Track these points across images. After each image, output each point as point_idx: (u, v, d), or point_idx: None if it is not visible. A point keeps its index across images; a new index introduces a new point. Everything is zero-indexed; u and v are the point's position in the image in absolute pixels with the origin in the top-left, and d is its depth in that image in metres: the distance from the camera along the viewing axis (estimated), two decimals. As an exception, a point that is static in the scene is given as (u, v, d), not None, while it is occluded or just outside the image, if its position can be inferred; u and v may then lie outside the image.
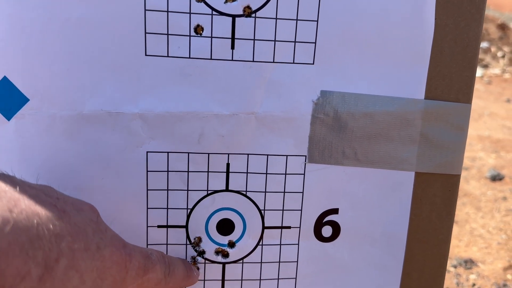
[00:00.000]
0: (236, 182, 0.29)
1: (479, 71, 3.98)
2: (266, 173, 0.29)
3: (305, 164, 0.29)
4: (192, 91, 0.27)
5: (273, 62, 0.27)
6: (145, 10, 0.26)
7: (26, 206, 0.17)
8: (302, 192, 0.29)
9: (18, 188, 0.18)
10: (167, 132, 0.28)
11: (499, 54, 4.59)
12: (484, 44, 4.64)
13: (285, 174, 0.29)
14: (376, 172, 0.30)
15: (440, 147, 0.30)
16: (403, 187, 0.30)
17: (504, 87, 3.33)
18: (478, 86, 3.20)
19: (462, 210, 1.31)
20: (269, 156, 0.29)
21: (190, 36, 0.26)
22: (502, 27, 5.07)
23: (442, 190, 0.31)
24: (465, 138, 0.30)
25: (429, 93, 0.29)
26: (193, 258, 0.29)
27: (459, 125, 0.30)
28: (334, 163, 0.29)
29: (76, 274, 0.18)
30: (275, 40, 0.27)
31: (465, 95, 0.30)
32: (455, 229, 1.22)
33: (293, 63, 0.28)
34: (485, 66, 4.25)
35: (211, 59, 0.27)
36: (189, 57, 0.27)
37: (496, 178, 1.52)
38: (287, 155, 0.29)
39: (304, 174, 0.29)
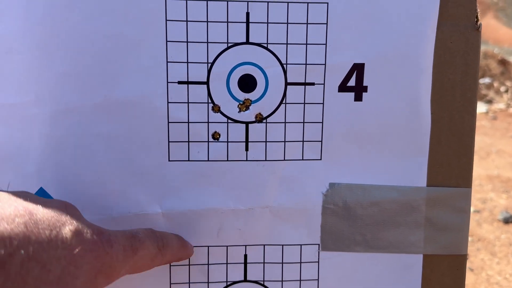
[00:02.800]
0: (254, 273, 0.31)
1: (483, 107, 4.01)
2: (282, 262, 0.31)
3: (318, 252, 0.31)
4: (211, 190, 0.30)
5: (284, 160, 0.30)
6: (168, 122, 0.28)
7: None
8: (318, 280, 0.31)
9: None
10: (189, 228, 0.30)
11: (502, 89, 4.64)
12: (486, 80, 4.70)
13: (300, 262, 0.31)
14: (387, 256, 0.31)
15: (445, 229, 0.32)
16: (412, 269, 0.32)
17: (509, 122, 3.34)
18: (483, 123, 3.21)
19: (477, 256, 1.29)
20: (284, 246, 0.31)
21: (208, 142, 0.29)
22: (503, 62, 5.15)
23: (450, 269, 0.32)
24: (468, 219, 0.32)
25: (431, 180, 0.31)
26: None
27: (461, 208, 0.32)
28: (347, 250, 0.31)
29: (37, 265, 0.18)
30: (285, 141, 0.30)
31: (464, 180, 0.32)
32: (472, 278, 1.20)
33: (302, 159, 0.30)
34: (489, 102, 4.29)
35: (227, 160, 0.30)
36: (208, 160, 0.29)
37: (509, 220, 1.51)
38: (301, 244, 0.31)
39: (318, 262, 0.31)
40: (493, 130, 2.85)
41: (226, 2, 0.27)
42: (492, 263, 1.27)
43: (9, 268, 0.17)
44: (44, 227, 0.19)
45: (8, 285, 0.17)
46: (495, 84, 4.65)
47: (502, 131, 2.85)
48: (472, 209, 1.63)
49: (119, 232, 0.24)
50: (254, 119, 0.29)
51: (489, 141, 2.57)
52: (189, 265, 0.30)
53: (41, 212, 0.20)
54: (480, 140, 2.57)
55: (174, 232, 0.29)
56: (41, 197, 0.23)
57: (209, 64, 0.28)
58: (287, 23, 0.28)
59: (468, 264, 1.25)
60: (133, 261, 0.24)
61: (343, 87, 0.29)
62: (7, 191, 0.21)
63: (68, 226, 0.21)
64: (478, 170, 2.03)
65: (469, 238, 1.42)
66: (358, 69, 0.29)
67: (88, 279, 0.21)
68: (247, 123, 0.29)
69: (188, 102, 0.28)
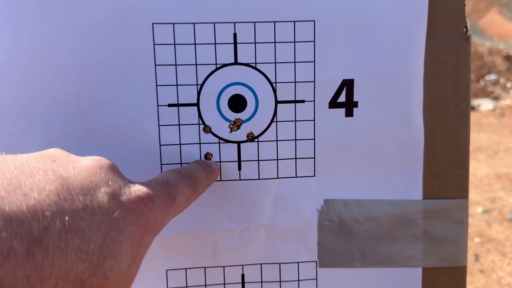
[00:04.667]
0: (252, 292, 0.31)
1: (490, 104, 3.98)
2: (280, 281, 0.31)
3: (316, 269, 0.31)
4: (205, 211, 0.30)
5: (278, 178, 0.30)
6: (160, 145, 0.29)
7: (7, 182, 0.16)
8: (316, 297, 0.31)
9: (4, 163, 0.17)
10: (184, 250, 0.30)
11: (509, 85, 4.61)
12: (492, 77, 4.67)
13: (298, 280, 0.31)
14: (385, 271, 0.31)
15: (443, 242, 0.31)
16: (412, 282, 0.32)
17: (517, 118, 3.31)
18: (491, 120, 3.19)
19: (488, 257, 1.28)
20: (281, 264, 0.31)
21: (200, 162, 0.29)
22: (508, 58, 5.11)
23: (450, 282, 0.32)
24: (466, 231, 0.32)
25: (427, 193, 0.31)
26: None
27: (459, 219, 0.31)
28: (344, 266, 0.31)
29: (76, 235, 0.16)
30: (277, 159, 0.30)
31: (461, 191, 0.31)
32: (482, 279, 1.19)
33: (296, 177, 0.30)
34: (496, 98, 4.25)
35: (220, 180, 0.30)
36: (201, 181, 0.29)
37: (519, 219, 1.49)
38: (298, 262, 0.31)
39: (316, 279, 0.31)
40: (500, 128, 2.82)
41: (213, 24, 0.28)
42: (502, 264, 1.25)
43: (47, 243, 0.15)
44: (78, 192, 0.18)
45: (48, 262, 0.15)
46: (501, 81, 4.62)
47: (510, 128, 2.82)
48: (481, 209, 1.61)
49: (154, 183, 0.22)
50: (245, 139, 0.29)
51: (497, 138, 2.55)
52: (186, 287, 0.30)
53: (73, 175, 0.18)
54: (487, 138, 2.55)
55: (168, 255, 0.29)
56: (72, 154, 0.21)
57: (199, 86, 0.28)
58: (275, 42, 0.28)
59: (478, 266, 1.23)
60: (173, 209, 0.22)
61: (333, 103, 0.29)
62: (33, 154, 0.19)
63: (103, 188, 0.19)
64: (486, 169, 2.01)
65: (479, 239, 1.40)
66: (347, 85, 0.29)
67: (134, 241, 0.19)
68: (239, 143, 0.29)
69: (179, 124, 0.29)
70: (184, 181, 0.24)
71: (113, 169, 0.21)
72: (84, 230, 0.17)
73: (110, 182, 0.19)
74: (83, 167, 0.19)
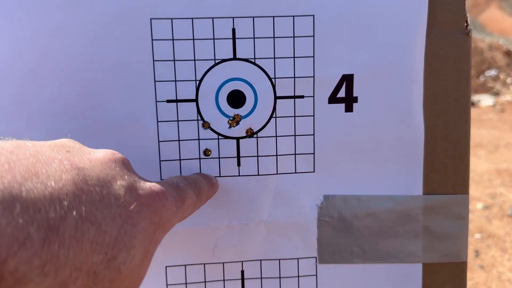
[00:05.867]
0: (252, 288, 0.30)
1: (490, 100, 3.98)
2: (280, 277, 0.31)
3: (316, 265, 0.31)
4: (205, 207, 0.29)
5: (277, 173, 0.30)
6: (159, 141, 0.28)
7: (23, 169, 0.15)
8: (315, 293, 0.31)
9: (19, 149, 0.16)
10: (184, 246, 0.30)
11: (509, 80, 4.60)
12: (492, 72, 4.66)
13: (298, 276, 0.31)
14: (385, 267, 0.31)
15: (444, 237, 0.31)
16: (412, 278, 0.31)
17: (518, 114, 3.31)
18: (491, 116, 3.18)
19: (488, 253, 1.28)
20: (281, 260, 0.31)
21: (200, 158, 0.29)
22: (508, 53, 5.10)
23: (450, 277, 0.32)
24: (467, 226, 0.32)
25: (427, 188, 0.31)
26: None
27: (459, 215, 0.31)
28: (344, 262, 0.31)
29: (92, 226, 0.16)
30: (277, 155, 0.29)
31: (461, 187, 0.31)
32: (483, 275, 1.19)
33: (295, 172, 0.30)
34: (496, 94, 4.25)
35: (220, 176, 0.29)
36: (200, 177, 0.29)
37: (519, 215, 1.49)
38: (298, 258, 0.31)
39: (316, 275, 0.31)
40: (501, 123, 2.82)
41: (211, 19, 0.27)
42: (503, 259, 1.25)
43: (63, 232, 0.15)
44: (94, 183, 0.17)
45: (64, 251, 0.15)
46: (501, 76, 4.61)
47: (510, 124, 2.82)
48: (481, 205, 1.61)
49: (166, 184, 0.22)
50: (245, 134, 0.29)
51: (497, 134, 2.55)
52: (186, 283, 0.30)
53: (89, 166, 0.18)
54: (488, 134, 2.55)
55: (168, 251, 0.29)
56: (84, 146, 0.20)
57: (197, 82, 0.28)
58: (274, 37, 0.28)
59: (478, 262, 1.23)
60: (182, 212, 0.22)
61: (333, 99, 0.29)
62: (46, 142, 0.19)
63: (119, 181, 0.18)
64: (487, 164, 2.01)
65: (479, 235, 1.40)
66: (347, 80, 0.29)
67: (146, 237, 0.19)
68: (238, 139, 0.29)
69: (177, 120, 0.28)
70: (191, 187, 0.24)
71: (127, 164, 0.21)
72: (100, 221, 0.16)
73: (126, 176, 0.19)
74: (98, 159, 0.19)
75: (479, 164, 2.02)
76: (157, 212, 0.20)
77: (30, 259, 0.14)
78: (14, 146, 0.17)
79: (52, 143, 0.19)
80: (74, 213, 0.16)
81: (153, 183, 0.21)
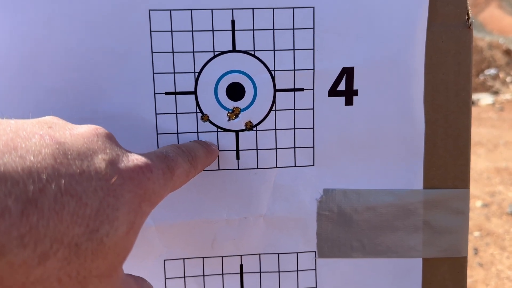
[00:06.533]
0: (250, 283, 0.30)
1: (490, 98, 3.98)
2: (279, 271, 0.30)
3: (315, 259, 0.31)
4: (203, 200, 0.29)
5: (276, 167, 0.30)
6: (157, 134, 0.28)
7: (2, 144, 0.16)
8: (315, 287, 0.31)
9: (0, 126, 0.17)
10: (182, 240, 0.30)
11: (508, 79, 4.60)
12: (492, 71, 4.66)
13: (297, 270, 0.31)
14: (385, 261, 0.31)
15: (444, 232, 0.31)
16: (412, 273, 0.31)
17: (517, 112, 3.31)
18: (490, 114, 3.19)
19: (487, 251, 1.28)
20: (280, 254, 0.30)
21: (198, 152, 0.29)
22: (508, 52, 5.10)
23: (450, 272, 0.32)
24: (467, 221, 0.32)
25: (427, 183, 0.31)
26: None
27: (459, 209, 0.31)
28: (344, 256, 0.31)
29: (72, 199, 0.16)
30: (276, 148, 0.29)
31: (461, 182, 0.31)
32: (481, 273, 1.19)
33: (295, 166, 0.30)
34: (496, 93, 4.25)
35: (218, 169, 0.29)
36: (199, 170, 0.29)
37: (518, 213, 1.49)
38: (297, 252, 0.30)
39: (315, 269, 0.31)
40: (500, 122, 2.82)
41: (210, 10, 0.27)
42: (502, 257, 1.25)
43: (42, 204, 0.15)
44: (74, 157, 0.17)
45: (43, 223, 0.15)
46: (501, 75, 4.61)
47: (509, 123, 2.82)
48: (480, 203, 1.61)
49: (152, 155, 0.22)
50: (244, 127, 0.29)
51: (497, 133, 2.55)
52: (184, 277, 0.30)
53: (70, 141, 0.18)
54: (487, 132, 2.55)
55: (166, 245, 0.29)
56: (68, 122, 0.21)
57: (196, 74, 0.28)
58: (273, 29, 0.28)
59: (477, 260, 1.24)
60: (172, 182, 0.22)
61: (333, 92, 0.29)
62: (29, 120, 0.19)
63: (100, 155, 0.19)
64: (486, 163, 2.01)
65: (478, 233, 1.40)
66: (347, 73, 0.28)
67: (131, 209, 0.19)
68: (237, 132, 0.29)
69: (176, 113, 0.28)
70: (183, 156, 0.24)
71: (110, 138, 0.21)
72: (80, 194, 0.17)
73: (108, 150, 0.19)
74: (80, 134, 0.19)
75: (479, 162, 2.02)
76: (141, 185, 0.20)
77: (8, 230, 0.14)
78: None
79: (36, 120, 0.19)
80: (53, 186, 0.16)
81: (138, 156, 0.21)
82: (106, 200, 0.18)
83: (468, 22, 0.29)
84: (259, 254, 0.30)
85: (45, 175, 0.16)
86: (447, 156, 0.30)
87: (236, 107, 0.28)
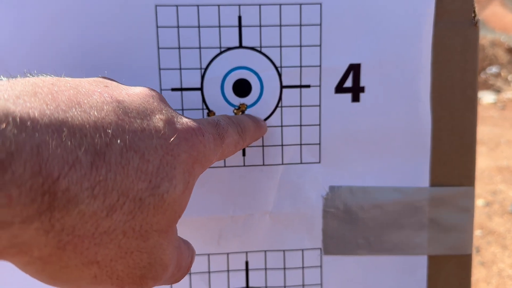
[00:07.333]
0: (256, 279, 0.30)
1: (491, 97, 3.97)
2: (284, 268, 0.30)
3: (321, 256, 0.31)
4: (210, 197, 0.29)
5: (282, 164, 0.30)
6: (163, 130, 0.28)
7: (66, 98, 0.16)
8: (321, 284, 0.31)
9: (59, 82, 0.17)
10: (188, 237, 0.30)
11: (510, 78, 4.59)
12: (493, 69, 4.65)
13: (303, 267, 0.31)
14: (391, 258, 0.31)
15: (449, 229, 0.31)
16: (417, 271, 0.31)
17: (519, 111, 3.30)
18: (492, 113, 3.18)
19: (488, 249, 1.28)
20: (285, 251, 0.30)
21: (204, 148, 0.29)
22: (510, 50, 5.09)
23: (456, 269, 0.32)
24: (472, 219, 0.32)
25: (433, 180, 0.31)
26: None
27: (465, 207, 0.31)
28: (349, 254, 0.31)
29: (136, 155, 0.17)
30: (282, 145, 0.29)
31: (467, 179, 0.31)
32: (483, 271, 1.19)
33: (301, 163, 0.30)
34: (497, 91, 4.24)
35: (225, 166, 0.29)
36: (205, 167, 0.29)
37: (520, 212, 1.49)
38: (303, 249, 0.30)
39: (321, 266, 0.31)
40: (502, 120, 2.81)
41: (217, 6, 0.27)
42: (503, 256, 1.25)
43: (109, 158, 0.16)
44: (134, 115, 0.18)
45: (111, 176, 0.16)
46: (503, 73, 4.60)
47: (511, 121, 2.82)
48: (481, 201, 1.61)
49: (204, 121, 0.22)
50: (250, 124, 0.29)
51: (498, 131, 2.54)
52: (190, 273, 0.30)
53: (128, 100, 0.18)
54: (489, 131, 2.54)
55: (173, 241, 0.29)
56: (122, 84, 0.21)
57: (203, 70, 0.28)
58: (280, 25, 0.28)
59: (478, 258, 1.24)
60: (221, 150, 0.22)
61: (339, 88, 0.29)
62: (83, 78, 0.19)
63: (158, 115, 0.19)
64: (487, 161, 2.01)
65: (479, 232, 1.40)
66: (354, 69, 0.28)
67: (186, 169, 0.19)
68: (243, 129, 0.29)
69: (182, 109, 0.28)
70: (233, 126, 0.24)
71: (163, 100, 0.21)
72: (143, 151, 0.17)
73: (164, 111, 0.20)
74: (136, 94, 0.19)
75: (480, 161, 2.02)
76: (194, 146, 0.20)
77: (80, 180, 0.15)
78: (54, 79, 0.17)
79: (90, 79, 0.19)
80: (119, 141, 0.16)
81: (190, 119, 0.21)
82: (165, 158, 0.18)
83: (475, 20, 0.29)
84: (265, 251, 0.30)
85: (110, 130, 0.16)
86: (453, 153, 0.30)
87: (243, 103, 0.28)
